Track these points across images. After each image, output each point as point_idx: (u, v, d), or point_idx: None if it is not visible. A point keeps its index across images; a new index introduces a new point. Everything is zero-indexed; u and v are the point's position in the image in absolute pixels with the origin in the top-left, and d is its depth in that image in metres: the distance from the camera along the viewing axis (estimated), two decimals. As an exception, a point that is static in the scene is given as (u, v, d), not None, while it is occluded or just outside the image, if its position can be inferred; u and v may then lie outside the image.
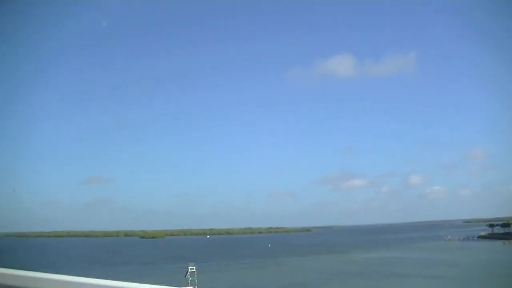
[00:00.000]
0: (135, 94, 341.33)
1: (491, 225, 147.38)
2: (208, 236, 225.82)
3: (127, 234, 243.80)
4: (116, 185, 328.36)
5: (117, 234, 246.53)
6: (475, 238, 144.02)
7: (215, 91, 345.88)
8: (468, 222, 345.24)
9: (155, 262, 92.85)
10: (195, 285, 53.81)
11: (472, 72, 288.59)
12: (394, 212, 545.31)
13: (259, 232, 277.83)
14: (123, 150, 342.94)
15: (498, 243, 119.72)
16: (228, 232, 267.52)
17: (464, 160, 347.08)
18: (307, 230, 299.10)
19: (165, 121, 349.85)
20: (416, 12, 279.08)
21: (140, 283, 3.62)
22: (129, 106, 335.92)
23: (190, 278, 57.64)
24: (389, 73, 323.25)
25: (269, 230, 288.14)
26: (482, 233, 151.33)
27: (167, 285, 3.93)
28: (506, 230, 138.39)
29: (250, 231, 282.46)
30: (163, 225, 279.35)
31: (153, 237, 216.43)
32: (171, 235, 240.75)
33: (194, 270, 58.86)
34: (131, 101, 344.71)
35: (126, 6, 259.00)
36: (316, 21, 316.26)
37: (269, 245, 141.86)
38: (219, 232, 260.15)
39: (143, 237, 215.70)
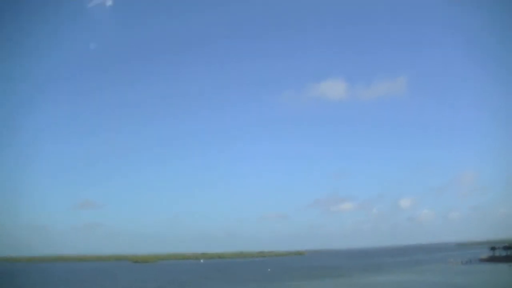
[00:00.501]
0: (126, 119, 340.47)
1: (493, 248, 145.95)
2: (202, 261, 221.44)
3: (117, 258, 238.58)
4: (106, 209, 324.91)
5: (108, 258, 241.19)
6: (477, 261, 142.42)
7: (206, 114, 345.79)
8: (461, 244, 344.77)
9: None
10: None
11: (461, 94, 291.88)
12: (384, 235, 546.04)
13: (252, 256, 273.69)
14: (114, 175, 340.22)
15: (503, 266, 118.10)
16: (220, 256, 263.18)
17: (454, 183, 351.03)
18: (300, 253, 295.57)
19: (156, 146, 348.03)
20: (406, 36, 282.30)
21: None
22: (121, 131, 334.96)
23: None
24: (379, 97, 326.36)
25: (261, 254, 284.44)
26: (483, 256, 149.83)
27: None
28: (509, 253, 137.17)
29: (242, 255, 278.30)
30: (153, 248, 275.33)
31: (145, 262, 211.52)
32: (163, 259, 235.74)
33: None
34: (122, 127, 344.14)
35: (119, 29, 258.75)
36: (309, 44, 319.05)
37: (269, 269, 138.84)
38: (211, 256, 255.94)
39: (136, 262, 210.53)
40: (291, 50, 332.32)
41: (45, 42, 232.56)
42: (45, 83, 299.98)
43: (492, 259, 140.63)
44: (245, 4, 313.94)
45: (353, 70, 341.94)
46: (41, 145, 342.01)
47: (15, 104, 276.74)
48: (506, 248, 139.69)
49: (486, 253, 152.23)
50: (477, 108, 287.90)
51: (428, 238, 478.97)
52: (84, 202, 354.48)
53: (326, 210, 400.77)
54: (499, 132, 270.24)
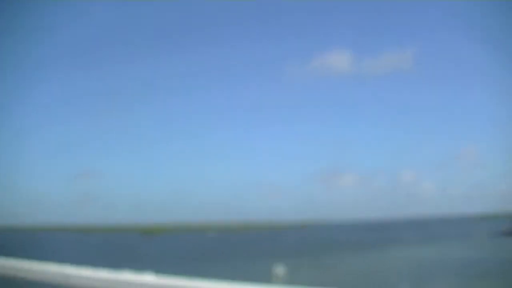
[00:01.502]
0: (129, 95, 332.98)
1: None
2: (211, 234, 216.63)
3: (125, 229, 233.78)
4: (106, 179, 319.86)
5: (113, 229, 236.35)
6: (500, 234, 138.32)
7: (208, 90, 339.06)
8: (463, 218, 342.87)
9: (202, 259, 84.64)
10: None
11: (467, 70, 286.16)
12: (384, 208, 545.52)
13: (255, 228, 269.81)
14: (114, 144, 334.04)
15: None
16: (225, 228, 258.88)
17: (456, 158, 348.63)
18: (303, 226, 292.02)
19: (159, 123, 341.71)
20: (415, 8, 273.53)
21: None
22: (124, 106, 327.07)
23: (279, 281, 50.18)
24: (386, 70, 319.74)
25: (264, 226, 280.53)
26: (504, 229, 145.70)
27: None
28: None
29: (245, 227, 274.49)
30: (155, 218, 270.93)
31: (151, 233, 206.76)
32: (167, 231, 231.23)
33: (283, 272, 51.31)
34: (125, 102, 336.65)
35: (119, 9, 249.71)
36: (313, 14, 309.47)
37: (290, 243, 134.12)
38: (219, 228, 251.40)
39: (145, 233, 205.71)
40: (294, 21, 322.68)
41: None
42: (44, 58, 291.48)
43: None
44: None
45: (359, 41, 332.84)
46: (40, 116, 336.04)
47: (16, 77, 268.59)
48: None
49: (505, 226, 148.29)
50: (483, 85, 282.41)
51: (428, 211, 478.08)
52: (84, 172, 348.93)
53: (325, 183, 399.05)
54: (503, 109, 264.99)
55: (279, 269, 52.00)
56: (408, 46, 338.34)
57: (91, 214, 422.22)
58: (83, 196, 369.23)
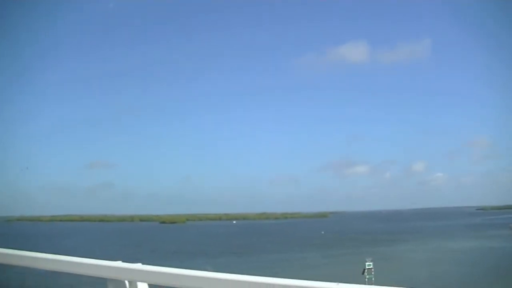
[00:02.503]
0: (140, 79, 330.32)
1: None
2: (234, 222, 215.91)
3: (142, 219, 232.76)
4: (119, 169, 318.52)
5: (131, 219, 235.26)
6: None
7: (221, 76, 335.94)
8: (481, 209, 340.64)
9: (229, 253, 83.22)
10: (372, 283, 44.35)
11: (481, 61, 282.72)
12: (395, 199, 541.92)
13: (275, 218, 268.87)
14: (126, 135, 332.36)
15: None
16: (244, 217, 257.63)
17: (467, 148, 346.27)
18: (323, 215, 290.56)
19: (169, 106, 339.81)
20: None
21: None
22: (133, 91, 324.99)
23: (368, 276, 48.38)
24: (401, 60, 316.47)
25: (285, 216, 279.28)
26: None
27: None
28: None
29: (265, 216, 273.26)
30: (168, 209, 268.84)
31: (173, 222, 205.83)
32: (190, 220, 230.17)
33: (371, 266, 49.32)
34: (135, 86, 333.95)
35: None
36: (328, 7, 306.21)
37: (323, 232, 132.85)
38: (235, 217, 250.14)
39: (162, 222, 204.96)
40: (310, 12, 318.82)
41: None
42: (57, 40, 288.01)
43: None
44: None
45: (375, 32, 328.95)
46: (53, 105, 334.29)
47: (28, 62, 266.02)
48: None
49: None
50: (494, 74, 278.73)
51: (440, 203, 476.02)
52: (96, 162, 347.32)
53: (338, 174, 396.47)
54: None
55: (368, 263, 50.26)
56: (423, 37, 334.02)
57: (107, 204, 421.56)
58: (98, 186, 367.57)
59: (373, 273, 50.02)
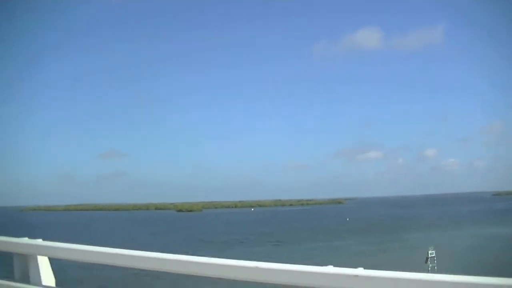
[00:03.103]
0: (152, 70, 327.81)
1: None
2: (252, 209, 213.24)
3: (158, 207, 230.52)
4: (131, 158, 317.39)
5: (146, 207, 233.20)
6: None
7: (234, 67, 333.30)
8: (497, 194, 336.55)
9: (256, 240, 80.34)
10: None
11: (494, 46, 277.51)
12: (408, 184, 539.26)
13: (290, 205, 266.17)
14: (138, 124, 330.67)
15: None
16: (259, 204, 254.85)
17: (480, 133, 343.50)
18: (339, 202, 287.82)
19: (181, 96, 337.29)
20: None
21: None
22: (146, 82, 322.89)
23: (431, 265, 45.42)
24: (414, 47, 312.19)
25: (301, 203, 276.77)
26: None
27: None
28: None
29: (281, 203, 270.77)
30: (180, 198, 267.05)
31: (190, 211, 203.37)
32: (206, 208, 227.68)
33: (434, 255, 46.45)
34: (147, 77, 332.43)
35: None
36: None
37: (348, 219, 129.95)
38: (251, 205, 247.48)
39: (179, 211, 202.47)
40: (324, 0, 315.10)
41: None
42: (69, 33, 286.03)
43: None
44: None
45: (388, 19, 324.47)
46: (66, 97, 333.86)
47: (42, 51, 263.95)
48: None
49: None
50: (507, 59, 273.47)
51: (453, 188, 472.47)
52: (109, 152, 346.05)
53: (350, 160, 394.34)
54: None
55: (431, 252, 47.10)
56: (436, 23, 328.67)
57: (120, 193, 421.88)
58: (111, 175, 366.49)
59: (435, 261, 46.99)
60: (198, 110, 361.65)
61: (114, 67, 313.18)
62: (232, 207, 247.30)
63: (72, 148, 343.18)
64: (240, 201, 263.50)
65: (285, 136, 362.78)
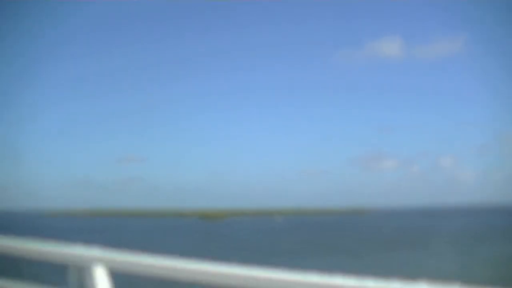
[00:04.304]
0: (169, 74, 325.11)
1: None
2: (281, 218, 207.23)
3: (177, 213, 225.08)
4: (148, 164, 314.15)
5: (164, 213, 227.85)
6: None
7: (250, 71, 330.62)
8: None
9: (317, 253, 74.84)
10: None
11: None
12: (424, 195, 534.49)
13: (306, 214, 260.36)
14: (155, 129, 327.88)
15: None
16: (279, 212, 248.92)
17: (498, 142, 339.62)
18: (358, 212, 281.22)
19: (197, 100, 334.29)
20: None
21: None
22: (162, 86, 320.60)
23: None
24: (434, 54, 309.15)
25: (323, 212, 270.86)
26: None
27: None
28: None
29: (301, 212, 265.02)
30: (196, 203, 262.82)
31: (214, 218, 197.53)
32: (229, 216, 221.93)
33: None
34: (164, 81, 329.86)
35: None
36: (363, 3, 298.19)
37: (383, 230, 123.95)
38: (271, 212, 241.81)
39: (202, 217, 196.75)
40: (346, 8, 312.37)
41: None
42: (81, 36, 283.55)
43: None
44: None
45: (409, 27, 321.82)
46: (83, 101, 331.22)
47: (56, 52, 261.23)
48: None
49: None
50: None
51: (469, 199, 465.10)
52: (125, 157, 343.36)
53: (366, 168, 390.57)
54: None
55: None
56: (456, 31, 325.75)
57: (137, 198, 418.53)
58: (128, 180, 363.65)
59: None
60: (214, 114, 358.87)
61: (132, 71, 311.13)
62: (254, 215, 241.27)
63: (89, 153, 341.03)
64: (261, 209, 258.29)
65: (302, 141, 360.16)
